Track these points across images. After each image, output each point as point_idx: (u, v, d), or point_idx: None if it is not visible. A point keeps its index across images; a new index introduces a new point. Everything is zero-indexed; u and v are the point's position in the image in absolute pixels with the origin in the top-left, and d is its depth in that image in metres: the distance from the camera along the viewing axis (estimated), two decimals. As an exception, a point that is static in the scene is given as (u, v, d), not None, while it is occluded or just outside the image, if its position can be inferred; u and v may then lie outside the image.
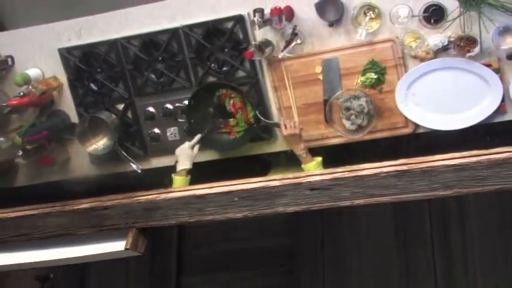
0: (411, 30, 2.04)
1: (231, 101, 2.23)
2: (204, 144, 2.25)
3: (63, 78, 2.39)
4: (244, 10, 2.16)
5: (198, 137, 2.20)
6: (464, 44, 1.98)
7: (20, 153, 2.32)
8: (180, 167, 2.15)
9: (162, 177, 2.25)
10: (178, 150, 2.18)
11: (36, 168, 2.47)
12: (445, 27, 2.01)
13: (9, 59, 2.40)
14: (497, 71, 2.02)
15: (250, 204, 1.76)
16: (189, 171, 2.15)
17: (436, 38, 2.02)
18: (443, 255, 2.68)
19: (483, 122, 2.06)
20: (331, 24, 2.11)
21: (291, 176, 1.74)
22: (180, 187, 2.06)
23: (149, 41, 2.27)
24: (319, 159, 2.10)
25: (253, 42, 2.13)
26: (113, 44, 2.30)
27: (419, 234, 2.71)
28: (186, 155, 2.16)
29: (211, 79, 2.27)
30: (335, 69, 2.15)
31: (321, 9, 2.08)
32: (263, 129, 2.25)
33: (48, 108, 2.42)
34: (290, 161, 2.16)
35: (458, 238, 2.67)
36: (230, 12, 2.18)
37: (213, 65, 2.24)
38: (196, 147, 2.19)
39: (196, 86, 2.27)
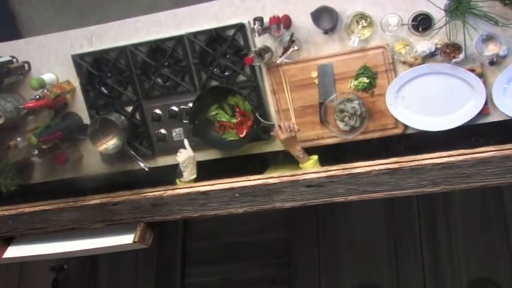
0: (401, 38, 2.03)
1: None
2: (207, 145, 2.25)
3: (76, 82, 2.38)
4: (245, 19, 2.15)
5: (186, 141, 2.18)
6: (450, 51, 1.97)
7: (36, 152, 2.31)
8: (189, 177, 2.12)
9: (168, 175, 2.24)
10: (184, 160, 2.12)
11: (51, 166, 2.46)
12: (432, 35, 2.00)
13: (25, 65, 2.39)
14: (481, 75, 2.01)
15: (250, 200, 1.75)
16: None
17: (423, 45, 2.01)
18: (430, 245, 2.68)
19: (468, 123, 2.05)
20: (326, 32, 2.10)
21: (288, 173, 1.73)
22: (185, 184, 2.05)
23: (156, 48, 2.26)
24: (315, 157, 2.08)
25: (253, 49, 2.12)
26: (122, 50, 2.29)
27: (408, 227, 2.71)
28: (192, 163, 2.13)
29: (214, 83, 2.26)
30: (330, 74, 2.14)
31: (316, 18, 2.06)
32: (262, 130, 2.23)
33: (62, 110, 2.41)
34: (288, 159, 2.15)
35: (444, 230, 2.67)
36: (232, 20, 2.16)
37: (215, 70, 2.22)
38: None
39: (200, 90, 2.25)
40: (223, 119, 2.24)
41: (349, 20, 2.05)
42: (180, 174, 2.15)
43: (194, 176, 2.13)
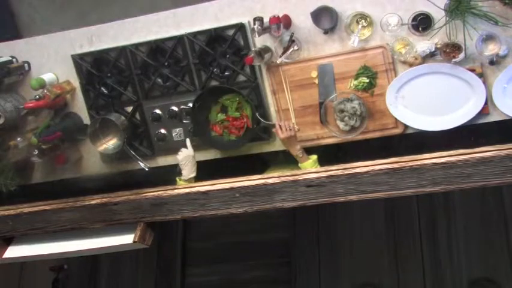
0: (401, 38, 2.03)
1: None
2: (207, 145, 2.25)
3: (75, 82, 2.38)
4: (245, 18, 2.15)
5: (188, 140, 2.18)
6: (450, 51, 1.97)
7: (36, 152, 2.31)
8: (190, 174, 2.13)
9: (168, 175, 2.24)
10: (183, 158, 2.14)
11: (51, 166, 2.46)
12: (432, 35, 2.00)
13: (25, 65, 2.39)
14: (481, 75, 2.01)
15: (250, 200, 1.75)
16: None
17: (423, 44, 2.01)
18: (430, 246, 2.68)
19: (468, 123, 2.05)
20: (326, 32, 2.10)
21: (288, 173, 1.73)
22: (185, 184, 2.06)
23: (156, 48, 2.26)
24: (315, 157, 2.09)
25: (253, 49, 2.12)
26: (122, 50, 2.29)
27: (408, 227, 2.71)
28: (191, 162, 2.14)
29: (213, 83, 2.26)
30: (330, 73, 2.14)
31: (316, 17, 2.06)
32: (262, 130, 2.23)
33: (62, 110, 2.41)
34: (288, 159, 2.15)
35: (444, 230, 2.67)
36: (232, 20, 2.16)
37: (215, 69, 2.23)
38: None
39: (200, 90, 2.25)
40: (230, 114, 2.22)
41: (349, 19, 2.05)
42: (179, 173, 2.15)
43: (194, 175, 2.14)
